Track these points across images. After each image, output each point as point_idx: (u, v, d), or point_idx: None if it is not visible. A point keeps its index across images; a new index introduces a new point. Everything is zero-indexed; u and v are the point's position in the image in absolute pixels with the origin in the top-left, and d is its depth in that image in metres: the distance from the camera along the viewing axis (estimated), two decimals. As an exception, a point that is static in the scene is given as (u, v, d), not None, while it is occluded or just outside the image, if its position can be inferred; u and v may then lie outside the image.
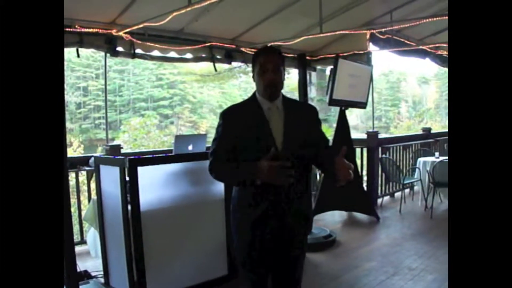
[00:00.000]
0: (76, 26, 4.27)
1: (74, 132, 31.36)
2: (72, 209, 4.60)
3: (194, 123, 35.21)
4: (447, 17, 4.59)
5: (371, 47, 6.15)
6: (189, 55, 5.35)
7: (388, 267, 4.39)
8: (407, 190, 7.88)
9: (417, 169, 7.21)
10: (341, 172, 2.16)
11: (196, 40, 5.28)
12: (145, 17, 4.20)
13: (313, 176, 7.00)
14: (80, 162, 4.94)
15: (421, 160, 7.25)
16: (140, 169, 3.38)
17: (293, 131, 2.30)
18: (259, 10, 5.04)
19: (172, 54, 5.23)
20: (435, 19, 5.13)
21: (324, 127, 10.05)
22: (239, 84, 35.14)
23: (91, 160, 4.29)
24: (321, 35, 5.03)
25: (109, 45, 4.59)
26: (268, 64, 2.29)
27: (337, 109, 6.27)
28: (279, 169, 2.12)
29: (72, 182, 5.21)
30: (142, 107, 35.58)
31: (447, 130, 11.59)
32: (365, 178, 7.54)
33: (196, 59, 5.48)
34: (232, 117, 2.36)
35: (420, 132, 9.60)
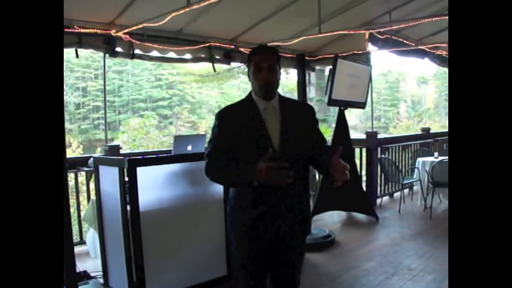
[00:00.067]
0: (75, 27, 4.27)
1: (73, 133, 31.39)
2: (71, 210, 4.60)
3: (193, 123, 35.22)
4: (446, 17, 4.61)
5: (370, 47, 6.16)
6: (188, 56, 5.35)
7: (387, 267, 4.39)
8: (406, 190, 7.89)
9: (416, 169, 7.21)
10: (337, 173, 2.14)
11: (195, 41, 5.28)
12: (144, 18, 4.19)
13: (312, 177, 7.00)
14: (79, 163, 4.93)
15: (420, 160, 7.25)
16: (139, 170, 3.38)
17: (290, 131, 2.28)
18: (258, 10, 5.04)
19: (171, 54, 5.22)
20: (434, 19, 5.13)
21: (323, 127, 10.09)
22: (238, 84, 35.13)
23: (90, 161, 4.29)
24: (320, 35, 5.03)
25: (108, 45, 4.59)
26: (263, 63, 2.27)
27: (336, 109, 6.27)
28: (276, 170, 2.10)
29: (71, 182, 5.21)
30: (141, 108, 35.61)
31: (446, 130, 11.62)
32: (364, 178, 7.54)
33: (195, 59, 5.48)
34: (228, 117, 2.34)
35: (419, 132, 9.60)
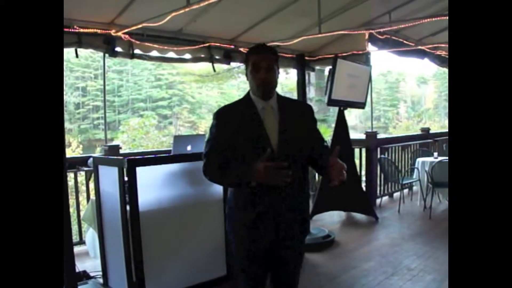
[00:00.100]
0: (75, 27, 4.27)
1: (73, 133, 31.39)
2: (71, 210, 4.60)
3: (193, 123, 35.23)
4: (445, 17, 4.61)
5: (370, 47, 6.16)
6: (187, 56, 5.34)
7: (387, 267, 4.39)
8: (405, 190, 7.90)
9: (415, 169, 7.21)
10: (334, 172, 2.13)
11: (195, 41, 5.28)
12: (144, 18, 4.19)
13: (312, 177, 7.00)
14: (79, 163, 4.93)
15: (419, 160, 7.26)
16: (139, 170, 3.38)
17: (288, 130, 2.27)
18: (258, 10, 5.04)
19: (171, 54, 5.22)
20: (433, 19, 5.13)
21: (323, 127, 10.11)
22: (238, 84, 35.12)
23: (90, 161, 4.29)
24: (320, 35, 5.03)
25: (107, 45, 4.59)
26: (261, 62, 2.25)
27: (336, 109, 6.28)
28: (275, 170, 2.09)
29: (70, 182, 5.20)
30: (141, 108, 35.62)
31: (445, 130, 11.62)
32: (363, 178, 7.54)
33: (195, 59, 5.48)
34: (225, 117, 2.32)
35: (419, 132, 9.61)
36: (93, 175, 4.02)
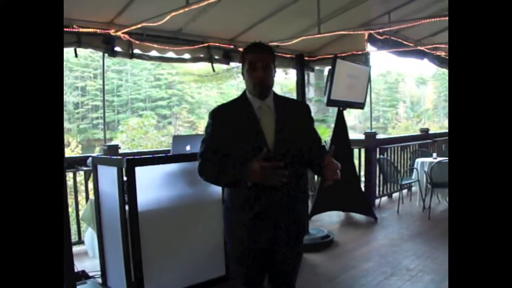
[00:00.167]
0: (74, 26, 4.26)
1: (72, 132, 31.39)
2: (70, 209, 4.61)
3: (192, 123, 35.24)
4: (445, 18, 4.61)
5: (369, 48, 6.15)
6: (187, 56, 5.34)
7: (386, 268, 4.39)
8: (405, 191, 7.91)
9: (415, 170, 7.22)
10: (329, 172, 2.13)
11: (194, 41, 5.28)
12: (143, 17, 4.19)
13: (311, 177, 7.00)
14: (78, 162, 4.93)
15: (419, 160, 7.26)
16: (138, 169, 3.37)
17: (284, 130, 2.25)
18: (257, 10, 5.04)
19: (170, 54, 5.21)
20: (433, 19, 5.14)
21: (322, 128, 10.12)
22: (237, 84, 35.10)
23: (89, 160, 4.28)
24: (319, 35, 5.03)
25: (107, 45, 4.58)
26: (257, 61, 2.23)
27: (335, 109, 6.28)
28: (271, 170, 2.08)
29: (70, 182, 5.20)
30: (140, 107, 35.63)
31: (445, 130, 11.63)
32: (363, 178, 7.55)
33: (194, 59, 5.48)
34: (221, 116, 2.31)
35: (418, 132, 9.61)
36: (92, 174, 4.02)
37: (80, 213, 4.82)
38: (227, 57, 5.68)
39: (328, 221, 6.40)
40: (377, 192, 7.62)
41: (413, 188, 7.98)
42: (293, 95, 6.54)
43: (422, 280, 4.04)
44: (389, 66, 43.27)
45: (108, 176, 3.61)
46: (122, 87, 36.44)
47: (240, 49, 5.63)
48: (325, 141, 7.84)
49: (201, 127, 33.65)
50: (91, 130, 34.19)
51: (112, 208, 3.57)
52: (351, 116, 35.90)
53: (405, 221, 6.37)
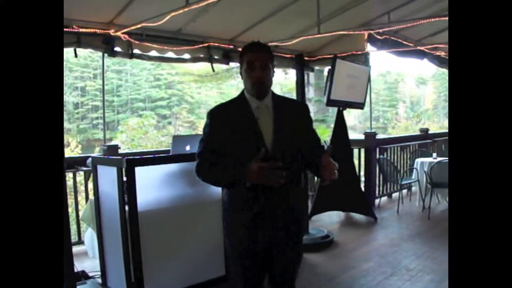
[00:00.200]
0: (74, 26, 4.26)
1: (71, 132, 31.38)
2: (70, 210, 4.61)
3: (191, 123, 35.24)
4: (445, 18, 4.61)
5: (369, 48, 6.15)
6: (187, 56, 5.34)
7: (385, 268, 4.39)
8: (404, 191, 7.91)
9: (414, 170, 7.22)
10: (327, 172, 2.12)
11: (194, 41, 5.27)
12: (143, 18, 4.19)
13: (311, 177, 7.00)
14: (77, 162, 4.93)
15: (418, 160, 7.27)
16: (138, 170, 3.37)
17: (283, 130, 2.24)
18: (257, 10, 5.04)
19: (170, 54, 5.21)
20: (433, 20, 5.14)
21: (322, 128, 10.12)
22: (237, 84, 35.08)
23: (89, 160, 4.29)
24: (319, 35, 5.03)
25: (106, 45, 4.58)
26: (255, 61, 2.22)
27: (335, 109, 6.28)
28: (269, 170, 2.07)
29: (69, 182, 5.20)
30: (140, 107, 35.63)
31: (444, 130, 11.64)
32: (362, 178, 7.55)
33: (194, 59, 5.47)
34: (219, 116, 2.29)
35: (418, 132, 9.61)
36: (92, 175, 4.02)
37: (80, 213, 4.82)
38: (226, 57, 5.67)
39: (328, 221, 6.40)
40: (377, 192, 7.63)
41: (413, 188, 7.98)
42: (293, 95, 6.54)
43: (422, 280, 4.04)
44: (389, 66, 43.30)
45: (108, 176, 3.61)
46: (121, 87, 36.44)
47: (240, 49, 5.63)
48: (324, 141, 7.84)
49: (201, 127, 33.42)
50: (91, 130, 34.18)
51: (112, 208, 3.57)
52: (351, 116, 35.91)
53: (405, 221, 6.37)
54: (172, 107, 36.24)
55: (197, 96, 37.27)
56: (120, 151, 5.44)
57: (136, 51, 4.85)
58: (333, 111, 9.26)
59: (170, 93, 36.37)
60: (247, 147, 2.18)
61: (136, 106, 35.97)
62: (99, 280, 3.90)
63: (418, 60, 7.28)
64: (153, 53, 5.04)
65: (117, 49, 4.71)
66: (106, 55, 4.76)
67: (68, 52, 4.56)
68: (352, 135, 7.77)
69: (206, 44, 5.39)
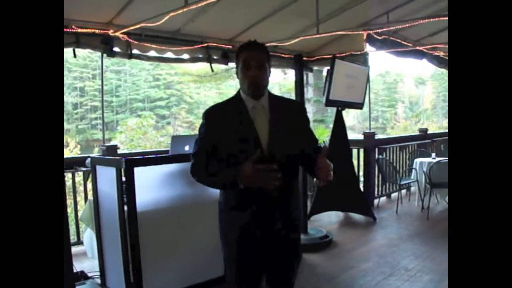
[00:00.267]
0: (73, 27, 4.26)
1: (70, 133, 31.35)
2: (69, 210, 4.60)
3: (191, 123, 35.21)
4: (444, 18, 4.62)
5: (368, 48, 6.17)
6: (185, 56, 5.34)
7: (384, 268, 4.39)
8: (403, 191, 7.91)
9: (413, 170, 7.22)
10: (322, 173, 2.09)
11: (193, 41, 5.28)
12: (142, 18, 4.19)
13: (310, 177, 7.00)
14: (76, 163, 4.93)
15: (417, 160, 7.27)
16: (137, 170, 3.37)
17: (279, 130, 2.20)
18: (256, 10, 5.04)
19: (169, 54, 5.22)
20: (432, 20, 5.14)
21: (321, 128, 10.12)
22: (236, 84, 34.63)
23: (88, 161, 4.28)
24: (318, 35, 5.04)
25: (105, 45, 4.58)
26: (251, 60, 2.19)
27: (334, 109, 6.28)
28: (264, 172, 2.04)
29: (68, 182, 5.20)
30: (139, 108, 35.62)
31: (443, 130, 11.64)
32: (361, 179, 7.55)
33: (193, 59, 5.48)
34: (215, 116, 2.27)
35: (417, 133, 9.61)
36: (91, 175, 4.02)
37: (79, 213, 4.82)
38: (225, 57, 5.69)
39: (327, 221, 6.40)
40: (376, 192, 7.63)
41: (412, 188, 7.99)
42: (292, 95, 6.54)
43: (421, 280, 4.04)
44: (388, 66, 43.31)
45: (107, 177, 3.60)
46: (120, 87, 36.43)
47: (238, 49, 5.63)
48: (323, 141, 7.85)
49: (200, 127, 33.57)
50: (90, 130, 34.16)
51: (111, 208, 3.56)
52: (350, 116, 35.90)
53: (404, 221, 6.37)
54: (171, 107, 36.23)
55: (196, 96, 37.25)
56: (119, 151, 5.44)
57: (135, 51, 4.86)
58: (332, 111, 9.27)
59: (169, 93, 36.37)
60: (243, 148, 2.15)
61: (135, 106, 35.96)
62: (98, 281, 3.89)
63: (417, 60, 7.31)
64: (152, 53, 5.05)
65: (116, 49, 4.71)
66: (105, 55, 4.77)
67: (67, 52, 4.55)
68: (351, 135, 7.77)
69: (205, 44, 5.40)
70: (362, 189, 7.10)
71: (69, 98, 33.79)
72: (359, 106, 6.47)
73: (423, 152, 8.24)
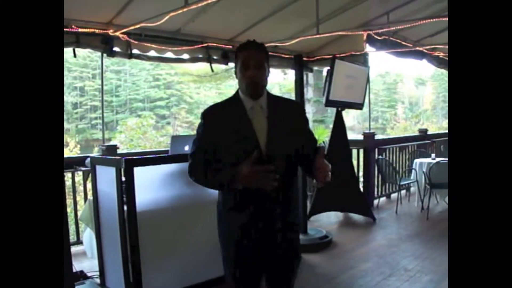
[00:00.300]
0: (73, 26, 4.26)
1: (70, 132, 31.36)
2: (68, 210, 4.60)
3: (190, 123, 35.20)
4: (444, 19, 4.62)
5: (368, 48, 6.17)
6: (185, 56, 5.34)
7: (384, 268, 4.39)
8: (403, 191, 7.91)
9: (413, 170, 7.22)
10: (319, 174, 2.06)
11: (193, 41, 5.28)
12: (142, 18, 4.19)
13: (309, 178, 7.00)
14: (76, 162, 4.92)
15: (417, 161, 7.27)
16: (136, 170, 3.37)
17: (277, 131, 2.18)
18: (256, 10, 5.04)
19: (169, 54, 5.22)
20: (432, 20, 5.14)
21: (321, 128, 10.11)
22: (236, 84, 34.42)
23: (87, 160, 4.28)
24: (318, 36, 5.04)
25: (105, 45, 4.58)
26: (250, 60, 2.17)
27: (334, 110, 6.28)
28: (261, 173, 2.02)
29: (68, 182, 5.20)
30: (139, 108, 35.63)
31: (443, 131, 11.64)
32: (361, 179, 7.55)
33: (193, 59, 5.48)
34: (213, 117, 2.25)
35: (417, 133, 9.62)
36: (90, 175, 4.02)
37: (79, 213, 4.82)
38: (225, 57, 5.68)
39: (326, 221, 6.40)
40: (375, 192, 7.63)
41: (412, 189, 8.00)
42: (292, 96, 6.54)
43: (421, 280, 4.04)
44: (388, 66, 43.34)
45: (107, 176, 3.60)
46: (120, 87, 36.44)
47: (238, 49, 5.63)
48: (323, 142, 7.85)
49: (199, 127, 33.55)
50: (90, 130, 34.17)
51: (111, 208, 3.56)
52: (350, 117, 35.91)
53: (404, 221, 6.37)
54: (171, 107, 36.24)
55: (196, 96, 37.26)
56: (118, 151, 5.44)
57: (135, 51, 4.86)
58: (332, 111, 9.27)
59: (169, 93, 36.38)
60: (241, 148, 2.13)
61: (135, 106, 35.97)
62: (98, 280, 3.89)
63: (417, 61, 7.30)
64: (152, 53, 5.05)
65: (116, 49, 4.71)
66: (105, 55, 4.77)
67: (67, 52, 4.55)
68: (351, 135, 7.77)
69: (205, 44, 5.40)
70: (361, 189, 7.10)
71: (69, 97, 33.80)
72: (359, 106, 6.47)
73: (422, 152, 8.24)
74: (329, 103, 5.79)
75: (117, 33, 4.54)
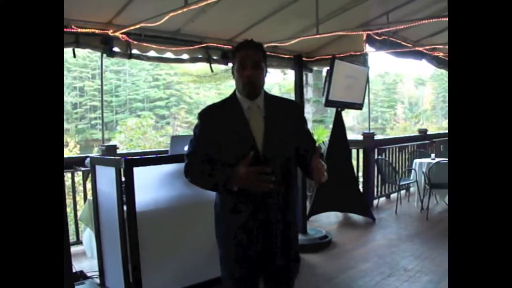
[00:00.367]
0: (72, 26, 4.25)
1: (70, 132, 31.36)
2: (68, 210, 4.60)
3: (190, 123, 35.18)
4: (443, 19, 4.62)
5: (368, 48, 6.16)
6: (185, 56, 5.33)
7: (384, 268, 4.39)
8: (403, 192, 7.91)
9: (413, 171, 7.23)
10: (315, 174, 2.05)
11: (193, 41, 5.27)
12: (142, 18, 4.18)
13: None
14: (76, 163, 4.92)
15: (417, 161, 7.27)
16: (136, 170, 3.37)
17: (274, 131, 2.16)
18: (255, 11, 5.04)
19: (169, 54, 5.21)
20: (431, 20, 5.14)
21: (320, 128, 10.12)
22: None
23: (87, 161, 4.28)
24: (318, 36, 5.03)
25: (105, 45, 4.57)
26: (247, 59, 2.16)
27: (333, 110, 6.29)
28: (258, 175, 2.01)
29: (68, 182, 5.20)
30: (139, 108, 35.64)
31: (443, 131, 11.65)
32: (361, 179, 7.55)
33: (193, 59, 5.47)
34: (210, 117, 2.23)
35: (416, 133, 9.62)
36: (90, 175, 4.02)
37: (78, 213, 4.82)
38: (225, 58, 5.68)
39: (326, 221, 6.40)
40: (375, 192, 7.64)
41: (411, 189, 8.00)
42: (291, 96, 6.54)
43: (420, 280, 4.05)
44: (388, 66, 43.38)
45: (106, 177, 3.61)
46: (120, 87, 36.46)
47: (237, 49, 5.63)
48: (323, 142, 7.85)
49: (199, 127, 33.56)
50: (89, 130, 34.19)
51: (110, 208, 3.56)
52: (349, 117, 35.93)
53: (403, 221, 6.37)
54: (171, 108, 36.26)
55: (196, 96, 37.28)
56: (118, 151, 5.44)
57: (134, 51, 4.85)
58: (331, 111, 9.27)
59: (168, 93, 36.40)
60: (238, 149, 2.12)
61: (135, 106, 35.98)
62: (97, 280, 3.89)
63: (416, 61, 7.30)
64: (152, 53, 5.04)
65: (116, 49, 4.70)
66: (104, 55, 4.76)
67: (66, 52, 4.54)
68: (351, 135, 7.77)
69: (204, 45, 5.39)
70: (361, 189, 7.10)
71: (68, 98, 33.81)
72: (359, 106, 6.47)
73: (422, 152, 8.25)
74: (328, 103, 5.79)
75: (117, 33, 4.53)
